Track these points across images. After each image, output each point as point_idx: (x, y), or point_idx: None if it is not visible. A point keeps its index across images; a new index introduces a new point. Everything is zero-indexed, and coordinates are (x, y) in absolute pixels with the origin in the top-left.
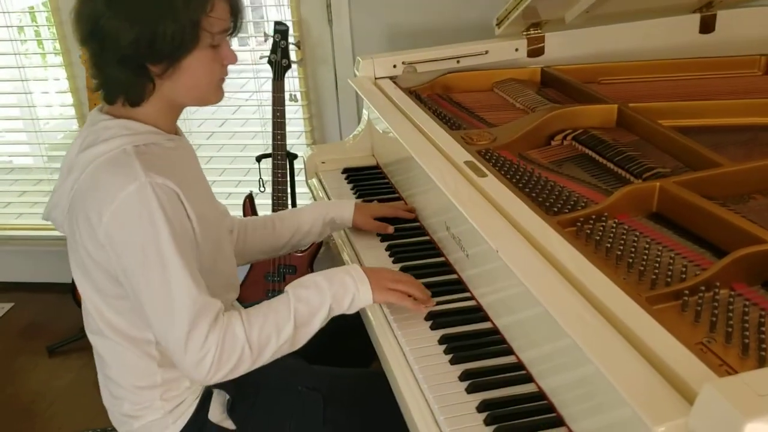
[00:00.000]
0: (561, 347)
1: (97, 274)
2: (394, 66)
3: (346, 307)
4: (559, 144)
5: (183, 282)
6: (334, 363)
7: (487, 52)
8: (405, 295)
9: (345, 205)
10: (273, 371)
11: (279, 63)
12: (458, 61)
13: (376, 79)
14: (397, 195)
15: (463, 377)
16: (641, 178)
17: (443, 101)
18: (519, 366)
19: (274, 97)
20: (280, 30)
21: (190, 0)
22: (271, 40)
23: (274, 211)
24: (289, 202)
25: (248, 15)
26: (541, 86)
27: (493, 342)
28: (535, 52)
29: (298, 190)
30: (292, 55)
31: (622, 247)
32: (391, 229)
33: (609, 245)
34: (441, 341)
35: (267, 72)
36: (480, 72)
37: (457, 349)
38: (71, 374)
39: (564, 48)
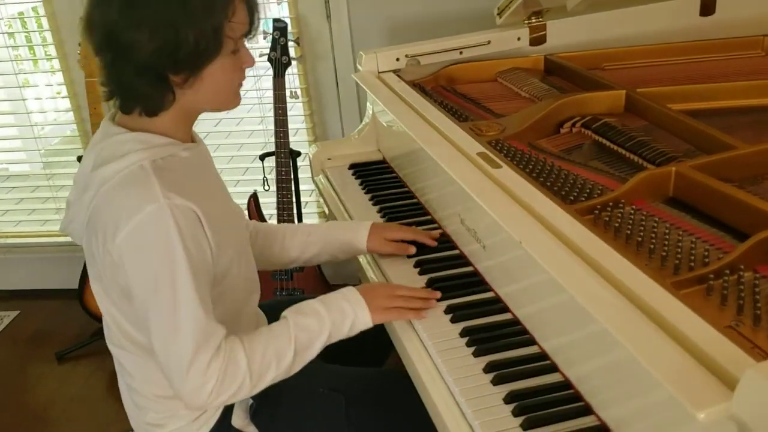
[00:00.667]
0: (588, 335)
1: (113, 289)
2: (397, 59)
3: (346, 333)
4: (568, 132)
5: (192, 308)
6: (349, 362)
7: (489, 42)
8: (404, 310)
9: (360, 229)
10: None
11: (279, 60)
12: (461, 52)
13: (379, 73)
14: (406, 189)
15: (487, 369)
16: (655, 164)
17: (448, 93)
18: (543, 356)
19: (275, 94)
20: (279, 27)
21: (212, 5)
22: (270, 38)
23: (279, 209)
24: (294, 200)
25: None
26: (545, 74)
27: (515, 333)
28: (537, 40)
29: (302, 188)
30: (291, 52)
31: (642, 234)
32: (412, 249)
33: (629, 232)
34: (462, 334)
35: (263, 69)
36: (483, 62)
37: (480, 341)
38: (82, 380)
39: (566, 35)
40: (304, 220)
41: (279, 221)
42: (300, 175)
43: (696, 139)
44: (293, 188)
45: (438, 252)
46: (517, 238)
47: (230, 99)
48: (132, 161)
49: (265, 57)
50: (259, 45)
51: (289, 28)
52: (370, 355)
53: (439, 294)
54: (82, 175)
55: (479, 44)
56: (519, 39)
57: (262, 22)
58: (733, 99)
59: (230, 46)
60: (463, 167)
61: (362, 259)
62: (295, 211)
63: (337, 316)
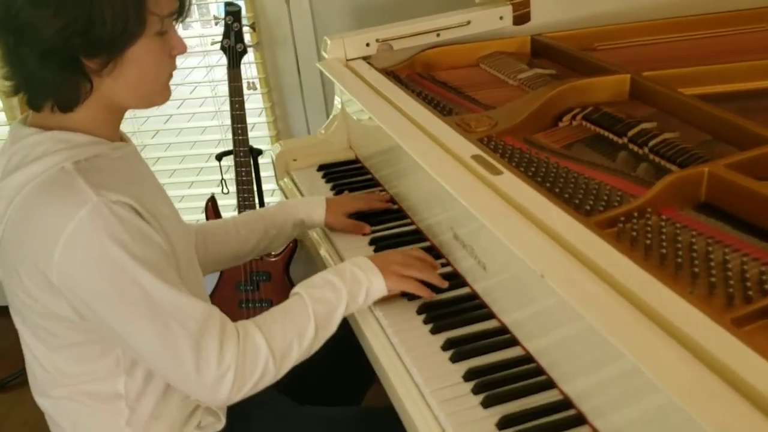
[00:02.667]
0: (629, 388)
1: (47, 323)
2: (368, 44)
3: (362, 302)
4: (567, 125)
5: (169, 298)
6: (325, 401)
7: (469, 22)
8: (418, 283)
9: (315, 204)
10: (262, 416)
11: (233, 48)
12: (438, 35)
13: (347, 60)
14: (384, 193)
15: (501, 425)
16: (676, 163)
17: (425, 81)
18: (567, 403)
19: (230, 86)
20: (232, 11)
21: None
22: (222, 24)
23: (240, 213)
24: (257, 202)
25: None
26: (532, 57)
27: (529, 373)
28: (521, 18)
29: (265, 188)
30: (247, 39)
31: (679, 252)
32: (367, 228)
33: (663, 251)
34: (467, 377)
35: (216, 58)
36: (463, 45)
37: (489, 385)
38: (30, 409)
39: (551, 12)
40: None
41: None
42: (262, 174)
43: (716, 127)
44: (255, 189)
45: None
46: (538, 271)
47: (157, 91)
48: (50, 164)
49: (218, 45)
50: (210, 32)
51: (243, 12)
52: (346, 392)
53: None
54: None
55: (458, 25)
56: (501, 18)
57: (194, 5)
58: (750, 81)
59: (156, 25)
60: (456, 174)
61: (313, 235)
62: None
63: (352, 285)
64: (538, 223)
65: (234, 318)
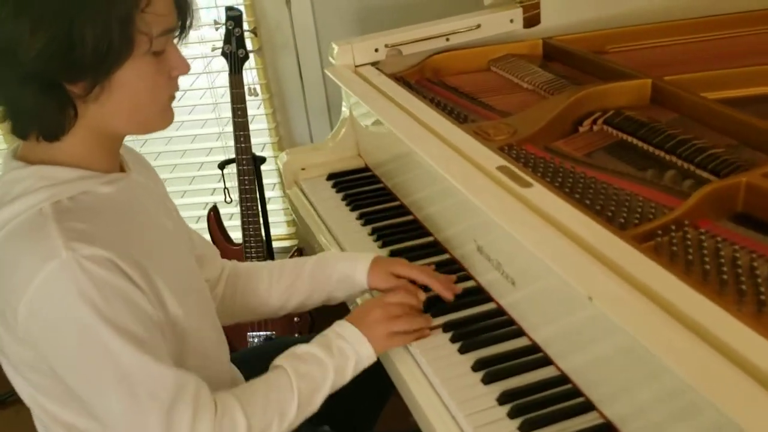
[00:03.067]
0: (679, 409)
1: (29, 373)
2: (376, 50)
3: (350, 375)
4: (587, 131)
5: (139, 366)
6: (343, 418)
7: (479, 26)
8: (409, 334)
9: (358, 260)
10: None
11: (235, 54)
12: (448, 39)
13: (356, 66)
14: (398, 203)
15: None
16: (707, 169)
17: (436, 87)
18: (609, 427)
19: (232, 93)
20: (233, 16)
21: None
22: (223, 29)
23: (243, 223)
24: (260, 211)
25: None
26: (545, 61)
27: (566, 395)
28: (531, 20)
29: (269, 196)
30: (248, 44)
31: (724, 268)
32: (422, 296)
33: (707, 266)
34: (502, 400)
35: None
36: (473, 50)
37: (525, 409)
38: (28, 428)
39: (562, 14)
40: (272, 232)
41: (244, 236)
42: (265, 182)
43: (742, 132)
44: (258, 199)
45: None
46: (586, 293)
47: (156, 116)
48: (28, 204)
49: (219, 51)
50: (212, 37)
51: (244, 16)
52: (364, 409)
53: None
54: None
55: (468, 28)
56: (512, 21)
57: (197, 13)
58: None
59: (145, 44)
60: (483, 186)
61: (321, 239)
62: (261, 223)
63: (339, 360)
64: (577, 240)
65: (239, 344)
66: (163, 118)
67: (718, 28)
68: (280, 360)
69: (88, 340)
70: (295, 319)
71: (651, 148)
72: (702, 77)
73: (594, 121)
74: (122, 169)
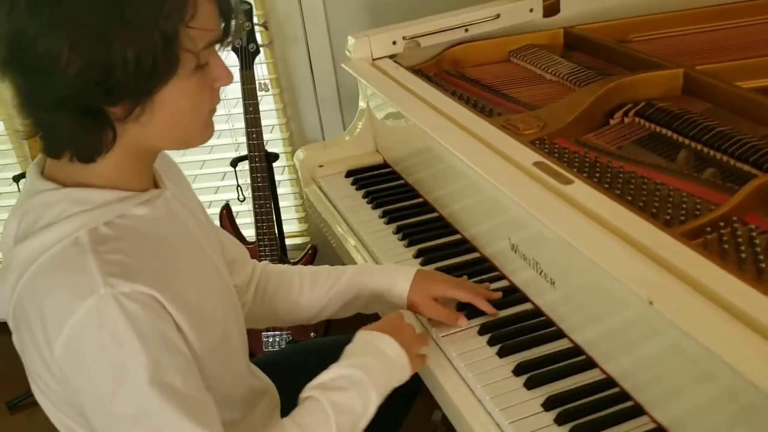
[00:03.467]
0: (737, 411)
1: (63, 406)
2: (394, 42)
3: (385, 394)
4: (619, 122)
5: (177, 425)
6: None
7: (498, 15)
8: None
9: (398, 276)
10: None
11: (246, 49)
12: (466, 30)
13: (373, 60)
14: (421, 200)
15: None
16: (749, 162)
17: (456, 79)
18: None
19: (243, 89)
20: (243, 10)
21: (159, 5)
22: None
23: (257, 221)
24: (273, 209)
25: None
26: (566, 50)
27: (615, 399)
28: (551, 9)
29: (280, 192)
30: (258, 38)
31: None
32: (463, 322)
33: (761, 264)
34: (547, 406)
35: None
36: (492, 40)
37: (572, 414)
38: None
39: (582, 3)
40: (285, 229)
41: (257, 235)
42: (278, 179)
43: None
44: (272, 196)
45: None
46: (645, 297)
47: (197, 132)
48: (63, 233)
49: (229, 46)
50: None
51: (254, 9)
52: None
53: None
54: (5, 245)
55: (487, 19)
56: (531, 10)
57: (239, 17)
58: None
59: (190, 62)
60: (521, 183)
61: (337, 229)
62: (275, 221)
63: (379, 380)
64: (629, 240)
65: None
66: (204, 133)
67: (744, 14)
68: (312, 390)
69: (123, 387)
70: None
71: (687, 141)
72: (734, 66)
73: (625, 113)
74: (156, 184)
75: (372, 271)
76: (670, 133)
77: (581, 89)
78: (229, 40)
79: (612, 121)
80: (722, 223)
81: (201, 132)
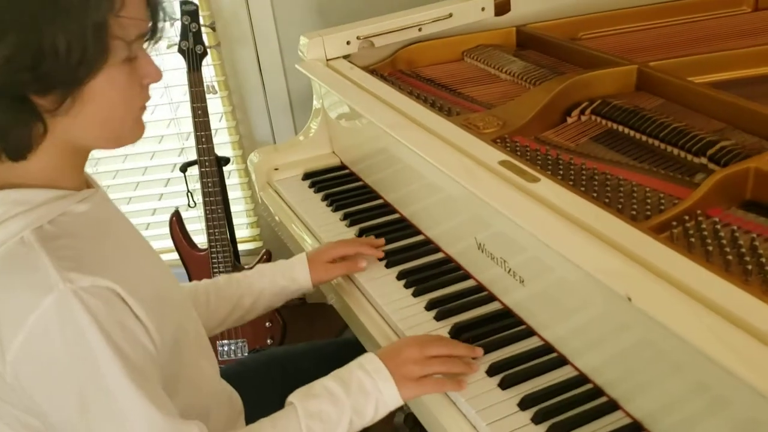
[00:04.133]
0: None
1: (13, 416)
2: (348, 42)
3: (370, 418)
4: (576, 120)
5: (144, 415)
6: None
7: (451, 15)
8: (441, 381)
9: (296, 266)
10: None
11: (192, 51)
12: (420, 29)
13: (327, 60)
14: (381, 201)
15: None
16: (707, 156)
17: (411, 79)
18: (637, 426)
19: (191, 92)
20: (188, 11)
21: None
22: (178, 24)
23: (209, 228)
24: (224, 215)
25: None
26: (518, 49)
27: (588, 394)
28: (502, 8)
29: (233, 197)
30: (205, 39)
31: (746, 258)
32: (363, 264)
33: (728, 256)
34: (523, 405)
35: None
36: (445, 39)
37: (549, 413)
38: None
39: (531, 1)
40: (237, 235)
41: (210, 241)
42: (228, 183)
43: (731, 115)
44: (223, 202)
45: (449, 285)
46: (623, 294)
47: (128, 128)
48: (6, 235)
49: (175, 48)
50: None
51: (200, 11)
52: None
53: (481, 351)
54: None
55: (440, 18)
56: (483, 9)
57: (168, 15)
58: (752, 67)
59: (121, 51)
60: (487, 182)
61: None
62: (227, 227)
63: (358, 397)
64: (602, 237)
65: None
66: (134, 130)
67: (688, 11)
68: (293, 396)
69: (87, 381)
70: (267, 323)
71: (644, 137)
72: (685, 62)
73: (582, 111)
74: (89, 186)
75: (271, 269)
76: (626, 130)
77: (537, 87)
78: (158, 35)
79: (569, 119)
80: (687, 217)
81: (132, 129)
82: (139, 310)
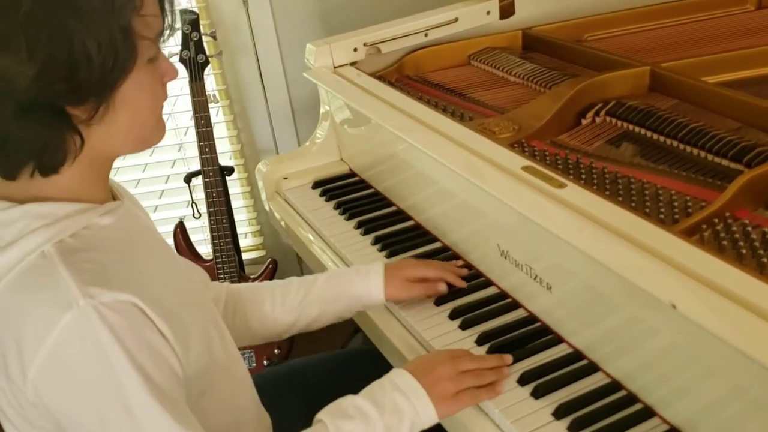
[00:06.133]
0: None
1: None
2: (355, 49)
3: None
4: (590, 122)
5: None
6: None
7: (456, 19)
8: (475, 391)
9: (370, 275)
10: None
11: (194, 60)
12: (426, 35)
13: (335, 67)
14: (395, 208)
15: None
16: (727, 157)
17: (419, 84)
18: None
19: (194, 102)
20: (190, 20)
21: None
22: (179, 34)
23: (213, 239)
24: (229, 225)
25: None
26: (524, 52)
27: (623, 401)
28: (506, 11)
29: (235, 206)
30: (206, 48)
31: None
32: (443, 287)
33: (763, 259)
34: (558, 414)
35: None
36: (451, 44)
37: (584, 422)
38: None
39: (536, 4)
40: (240, 244)
41: (215, 252)
42: (231, 193)
43: (747, 115)
44: (227, 212)
45: (471, 293)
46: (667, 301)
47: (153, 129)
48: (28, 249)
49: (176, 58)
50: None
51: (200, 20)
52: None
53: (510, 358)
54: None
55: (446, 23)
56: (488, 13)
57: (177, 14)
58: (760, 67)
59: (146, 50)
60: (512, 189)
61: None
62: (232, 238)
63: (392, 418)
64: (633, 242)
65: None
66: (158, 130)
67: (691, 11)
68: (322, 414)
69: (111, 400)
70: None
71: (662, 138)
72: (696, 62)
73: (596, 113)
74: (114, 198)
75: (344, 276)
76: (643, 131)
77: (551, 91)
78: (171, 32)
79: (584, 122)
80: (716, 220)
81: (157, 129)
82: (162, 324)
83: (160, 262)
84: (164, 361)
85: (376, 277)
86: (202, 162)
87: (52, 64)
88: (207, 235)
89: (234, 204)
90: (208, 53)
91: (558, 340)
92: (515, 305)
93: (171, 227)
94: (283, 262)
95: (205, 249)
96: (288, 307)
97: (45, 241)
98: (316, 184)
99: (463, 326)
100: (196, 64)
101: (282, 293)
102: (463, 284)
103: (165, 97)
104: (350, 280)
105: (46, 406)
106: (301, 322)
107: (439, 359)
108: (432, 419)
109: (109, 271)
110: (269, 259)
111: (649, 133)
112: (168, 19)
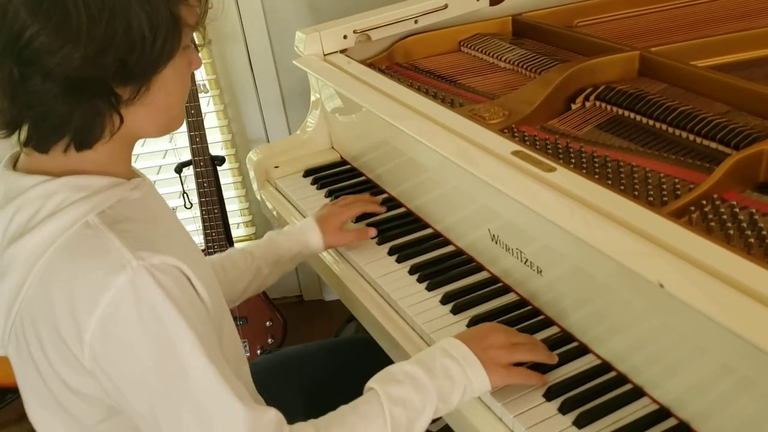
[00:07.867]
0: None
1: (77, 407)
2: (345, 37)
3: (456, 403)
4: (580, 107)
5: (222, 399)
6: None
7: (446, 6)
8: (527, 370)
9: (307, 230)
10: None
11: None
12: (416, 21)
13: (325, 55)
14: (386, 195)
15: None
16: (716, 140)
17: (409, 71)
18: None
19: None
20: None
21: None
22: None
23: (205, 229)
24: (221, 215)
25: None
26: (514, 38)
27: (613, 382)
28: None
29: (226, 197)
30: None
31: None
32: (372, 231)
33: (750, 239)
34: (549, 395)
35: None
36: (442, 31)
37: (575, 403)
38: None
39: None
40: (233, 234)
41: (206, 242)
42: (223, 183)
43: (736, 98)
44: (219, 202)
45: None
46: (655, 281)
47: (179, 115)
48: (71, 219)
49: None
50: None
51: None
52: None
53: (556, 358)
54: None
55: (436, 9)
56: None
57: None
58: (751, 50)
59: (186, 37)
60: (503, 174)
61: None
62: (223, 228)
63: (443, 383)
64: (624, 224)
65: None
66: (182, 116)
67: None
68: (372, 382)
69: (167, 359)
70: (267, 323)
71: (651, 121)
72: (686, 46)
73: (586, 98)
74: (137, 175)
75: (285, 237)
76: (632, 115)
77: (541, 76)
78: (202, 24)
79: (573, 106)
80: (704, 202)
81: (181, 115)
82: (202, 290)
83: (182, 235)
84: (208, 323)
85: (312, 232)
86: (193, 152)
87: (109, 43)
88: (198, 225)
89: (225, 194)
90: (197, 42)
91: (549, 322)
92: (506, 289)
93: None
94: None
95: (197, 239)
96: (239, 274)
97: (87, 211)
98: (307, 173)
99: (455, 311)
100: None
101: (231, 264)
102: (382, 209)
103: (189, 84)
104: (289, 240)
105: (103, 369)
106: (252, 286)
107: (491, 328)
108: (485, 387)
109: (153, 238)
110: None
111: (638, 117)
112: (201, 9)
